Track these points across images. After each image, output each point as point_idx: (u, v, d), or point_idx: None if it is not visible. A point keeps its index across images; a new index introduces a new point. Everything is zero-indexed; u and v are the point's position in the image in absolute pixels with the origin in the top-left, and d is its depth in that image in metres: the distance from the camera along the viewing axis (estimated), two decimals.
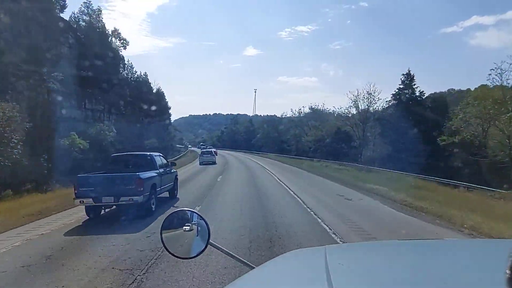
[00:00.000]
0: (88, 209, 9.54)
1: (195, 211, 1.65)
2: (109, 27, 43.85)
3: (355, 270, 1.17)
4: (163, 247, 1.59)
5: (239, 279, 1.33)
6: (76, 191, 9.17)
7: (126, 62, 46.25)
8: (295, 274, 1.22)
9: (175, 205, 11.40)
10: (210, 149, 42.32)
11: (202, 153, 38.58)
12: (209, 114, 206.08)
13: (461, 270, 1.08)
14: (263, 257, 5.81)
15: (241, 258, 1.61)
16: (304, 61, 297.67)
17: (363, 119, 39.67)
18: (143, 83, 48.76)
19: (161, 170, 11.22)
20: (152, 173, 10.28)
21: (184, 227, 1.59)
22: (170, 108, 59.81)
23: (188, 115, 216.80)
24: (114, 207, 10.10)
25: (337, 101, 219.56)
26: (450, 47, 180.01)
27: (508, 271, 0.63)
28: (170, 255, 1.61)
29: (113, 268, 5.66)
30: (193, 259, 1.73)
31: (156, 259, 5.96)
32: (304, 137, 55.71)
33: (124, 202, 9.12)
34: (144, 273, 5.37)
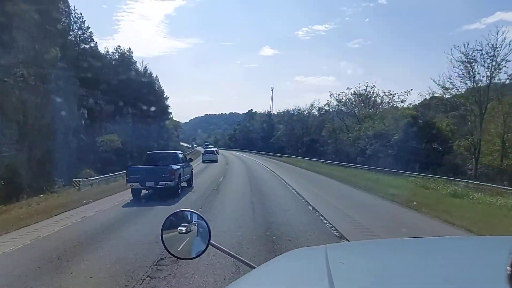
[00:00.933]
0: (134, 191, 13.12)
1: (195, 211, 1.67)
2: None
3: (357, 269, 1.18)
4: (164, 248, 1.61)
5: (240, 278, 1.31)
6: (127, 178, 12.83)
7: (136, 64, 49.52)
8: (296, 274, 1.22)
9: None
10: (212, 149, 45.83)
11: (205, 152, 42.23)
12: (225, 113, 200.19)
13: (462, 268, 1.08)
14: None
15: (242, 258, 1.64)
16: (321, 60, 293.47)
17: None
18: (147, 84, 50.48)
19: (183, 164, 14.85)
20: (178, 166, 13.89)
21: (185, 228, 1.62)
22: (168, 108, 61.71)
23: (204, 115, 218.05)
24: (150, 191, 13.72)
25: None
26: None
27: (509, 268, 0.63)
28: (170, 255, 1.64)
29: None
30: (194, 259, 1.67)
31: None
32: (347, 133, 41.40)
33: (161, 186, 12.76)
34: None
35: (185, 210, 1.68)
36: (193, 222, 1.64)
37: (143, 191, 13.67)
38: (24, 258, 6.36)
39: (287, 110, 66.13)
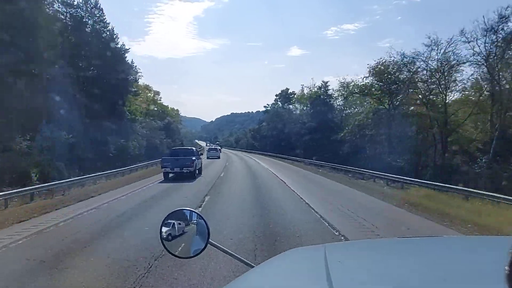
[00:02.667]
0: (165, 174, 19.59)
1: (194, 210, 1.69)
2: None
3: (355, 268, 1.18)
4: (163, 247, 1.63)
5: (239, 278, 1.32)
6: (162, 165, 19.36)
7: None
8: (295, 273, 1.22)
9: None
10: (215, 147, 53.09)
11: (209, 149, 49.93)
12: (251, 112, 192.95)
13: (460, 267, 1.09)
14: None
15: (240, 257, 1.64)
16: (351, 60, 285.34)
17: None
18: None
19: (197, 156, 21.36)
20: (194, 157, 20.36)
21: (184, 227, 1.65)
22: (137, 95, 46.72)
23: (230, 113, 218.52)
24: (174, 174, 20.12)
25: None
26: None
27: (507, 268, 0.63)
28: (169, 254, 1.65)
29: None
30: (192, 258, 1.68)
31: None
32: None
33: (184, 171, 19.21)
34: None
35: (185, 209, 1.70)
36: (192, 221, 1.65)
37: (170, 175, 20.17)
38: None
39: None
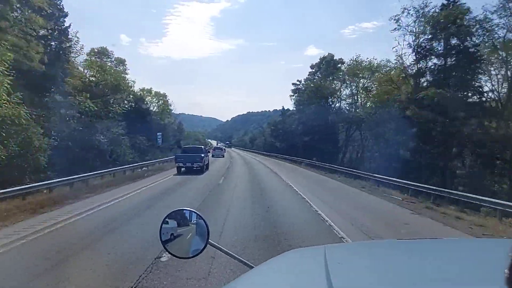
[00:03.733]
0: (178, 169, 23.09)
1: (194, 210, 1.69)
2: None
3: (355, 269, 1.19)
4: (162, 247, 1.64)
5: (238, 278, 1.33)
6: (176, 160, 22.93)
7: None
8: (294, 274, 1.22)
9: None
10: (220, 147, 57.59)
11: (215, 148, 54.30)
12: (268, 111, 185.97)
13: (460, 270, 1.09)
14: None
15: (240, 258, 1.64)
16: (370, 58, 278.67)
17: None
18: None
19: (205, 154, 24.88)
20: (203, 155, 23.87)
21: (184, 227, 1.65)
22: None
23: (246, 112, 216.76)
24: (185, 169, 23.58)
25: None
26: None
27: (506, 271, 0.63)
28: (169, 254, 1.65)
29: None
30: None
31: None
32: None
33: (195, 166, 22.70)
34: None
35: (185, 209, 1.70)
36: (192, 221, 1.66)
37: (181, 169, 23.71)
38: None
39: None
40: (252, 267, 1.43)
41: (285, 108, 55.23)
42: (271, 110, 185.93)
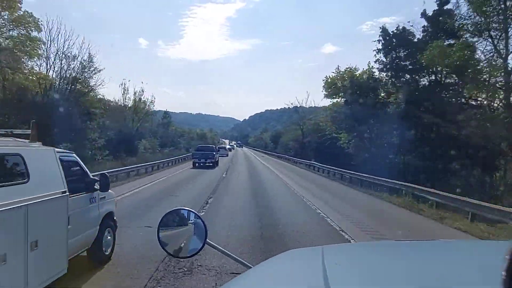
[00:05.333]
0: (194, 163, 28.61)
1: (192, 210, 1.70)
2: None
3: (352, 270, 1.19)
4: (160, 246, 1.65)
5: (235, 279, 1.33)
6: (192, 156, 28.90)
7: None
8: (292, 274, 1.23)
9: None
10: (224, 146, 62.50)
11: (219, 148, 59.14)
12: (287, 108, 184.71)
13: (457, 271, 1.09)
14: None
15: (237, 258, 1.65)
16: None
17: None
18: None
19: (216, 152, 30.62)
20: (214, 153, 29.57)
21: (182, 226, 1.66)
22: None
23: (264, 110, 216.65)
24: (200, 164, 28.95)
25: None
26: None
27: (504, 273, 0.63)
28: (167, 254, 1.68)
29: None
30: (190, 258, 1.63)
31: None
32: None
33: (208, 162, 28.29)
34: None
35: (183, 209, 1.70)
36: (190, 221, 1.66)
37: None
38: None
39: None
40: (250, 267, 1.44)
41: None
42: (292, 106, 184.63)
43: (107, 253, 5.78)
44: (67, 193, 4.31)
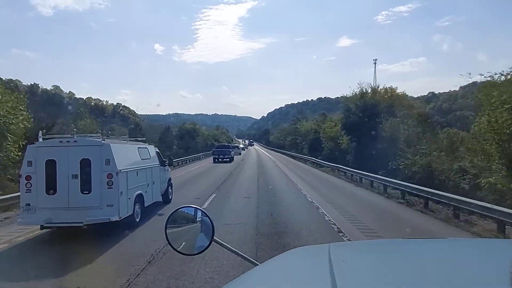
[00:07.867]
0: (214, 159, 35.19)
1: (199, 207, 1.71)
2: None
3: (359, 268, 1.19)
4: (167, 243, 1.67)
5: (243, 275, 1.33)
6: (212, 153, 35.94)
7: None
8: (299, 272, 1.24)
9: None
10: (237, 146, 65.59)
11: (233, 146, 65.50)
12: (308, 100, 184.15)
13: (465, 270, 1.09)
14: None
15: (245, 255, 1.66)
16: (407, 43, 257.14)
17: None
18: None
19: (232, 149, 37.53)
20: (231, 150, 36.43)
21: (189, 224, 1.68)
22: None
23: (284, 105, 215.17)
24: (219, 159, 35.15)
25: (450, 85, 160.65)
26: None
27: None
28: (174, 251, 1.68)
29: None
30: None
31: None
32: None
33: (226, 157, 34.97)
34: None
35: (190, 207, 1.71)
36: (197, 219, 1.67)
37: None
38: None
39: None
40: (257, 264, 1.45)
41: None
42: (311, 99, 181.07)
43: (170, 197, 11.84)
44: (159, 164, 10.55)
